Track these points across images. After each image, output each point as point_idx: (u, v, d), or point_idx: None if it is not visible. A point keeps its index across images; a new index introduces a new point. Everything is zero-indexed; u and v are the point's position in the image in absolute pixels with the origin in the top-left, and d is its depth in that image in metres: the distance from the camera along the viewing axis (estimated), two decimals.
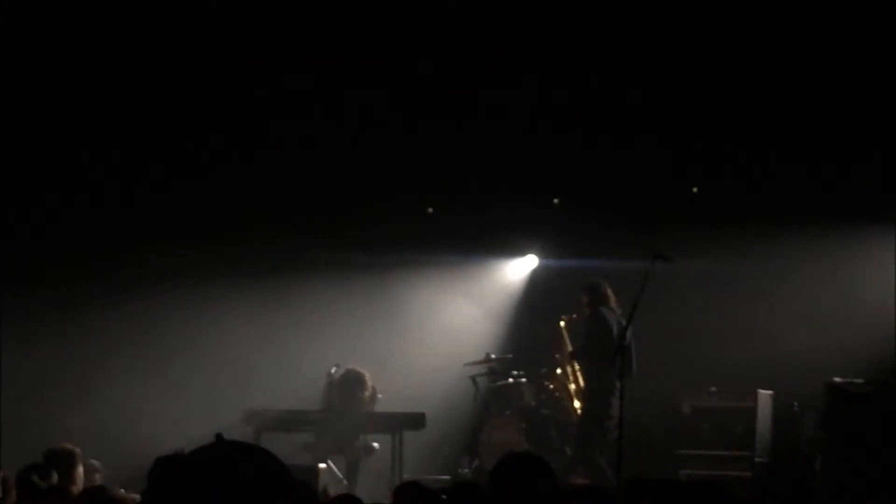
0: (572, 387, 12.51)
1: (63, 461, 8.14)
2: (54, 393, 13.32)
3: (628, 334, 10.79)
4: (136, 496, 7.43)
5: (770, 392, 12.42)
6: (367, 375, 12.47)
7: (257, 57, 12.31)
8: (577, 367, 12.50)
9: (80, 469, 8.38)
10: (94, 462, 10.21)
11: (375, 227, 14.22)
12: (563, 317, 12.68)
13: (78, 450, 8.44)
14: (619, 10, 11.81)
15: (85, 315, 13.70)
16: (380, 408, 12.39)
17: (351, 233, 14.20)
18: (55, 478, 7.68)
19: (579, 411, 12.27)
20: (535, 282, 14.80)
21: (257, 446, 2.80)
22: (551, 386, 12.71)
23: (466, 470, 13.04)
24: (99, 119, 12.96)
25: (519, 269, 14.96)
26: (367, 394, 12.40)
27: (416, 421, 11.75)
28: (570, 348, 12.51)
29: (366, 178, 13.93)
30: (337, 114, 12.99)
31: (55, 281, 13.55)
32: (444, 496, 6.13)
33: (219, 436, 2.78)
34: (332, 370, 12.70)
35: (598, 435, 11.72)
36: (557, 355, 12.76)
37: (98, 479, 9.95)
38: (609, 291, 12.00)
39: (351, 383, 12.40)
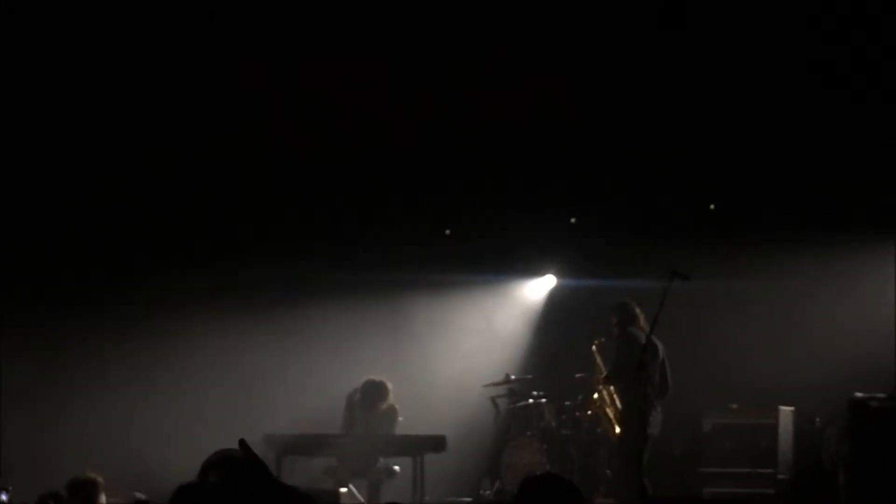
0: (610, 411, 12.29)
1: (84, 491, 8.12)
2: (73, 419, 13.35)
3: (661, 352, 10.74)
4: None
5: (791, 408, 12.39)
6: (389, 385, 12.46)
7: (258, 60, 12.23)
8: (612, 389, 12.31)
9: (103, 498, 8.34)
10: (138, 495, 10.03)
11: (393, 248, 14.23)
12: (595, 340, 12.51)
13: (100, 479, 8.42)
14: (633, 19, 11.77)
15: (102, 337, 13.72)
16: (400, 431, 12.37)
17: (368, 254, 14.21)
18: None
19: (619, 433, 12.08)
20: (554, 301, 14.78)
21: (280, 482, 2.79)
22: (589, 412, 12.53)
23: (488, 492, 12.99)
24: (104, 124, 12.90)
25: (537, 289, 14.95)
26: (389, 402, 12.39)
27: (436, 443, 11.71)
28: (603, 372, 12.34)
29: (383, 198, 13.94)
30: (353, 132, 12.99)
31: (69, 304, 13.58)
32: None
33: (242, 442, 2.78)
34: (352, 392, 12.69)
35: (637, 455, 11.59)
36: (578, 375, 12.65)
37: None
38: (637, 311, 11.90)
39: (372, 391, 12.40)
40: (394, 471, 12.35)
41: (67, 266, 13.51)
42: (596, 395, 12.45)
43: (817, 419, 12.25)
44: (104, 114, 12.83)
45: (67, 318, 13.56)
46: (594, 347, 12.49)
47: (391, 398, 12.44)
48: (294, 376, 14.02)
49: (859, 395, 11.04)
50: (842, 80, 11.88)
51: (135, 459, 12.82)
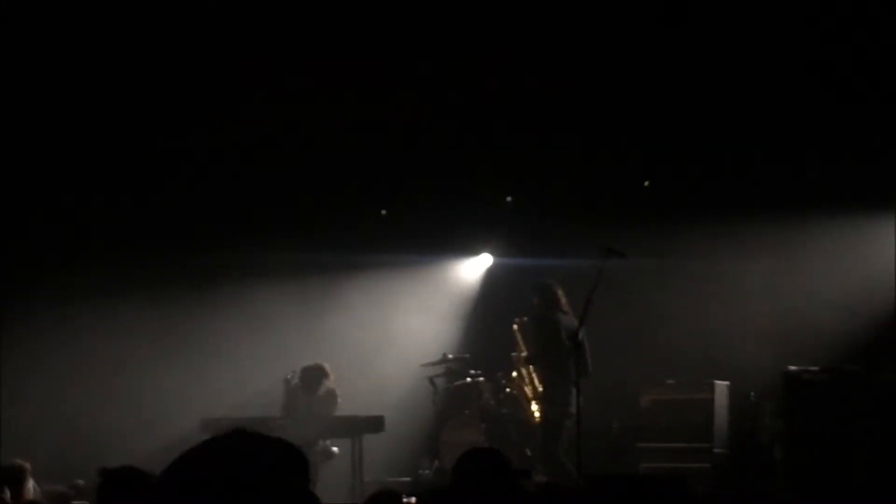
0: (528, 389, 12.52)
1: (12, 476, 8.06)
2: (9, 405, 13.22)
3: (581, 334, 10.80)
4: None
5: (727, 383, 12.47)
6: (327, 366, 12.48)
7: (186, 45, 12.02)
8: (532, 369, 12.53)
9: (31, 484, 8.29)
10: (79, 482, 9.92)
11: (328, 229, 14.18)
12: (517, 319, 12.70)
13: (28, 465, 8.36)
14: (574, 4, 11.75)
15: (38, 323, 13.58)
16: (338, 411, 12.36)
17: (305, 235, 14.14)
18: (7, 494, 7.60)
19: (537, 413, 12.27)
20: (491, 280, 14.82)
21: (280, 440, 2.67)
22: (508, 389, 12.71)
23: (427, 471, 13.01)
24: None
25: (474, 268, 14.97)
26: (329, 384, 12.39)
27: (374, 424, 11.72)
28: (524, 351, 12.53)
29: (318, 179, 13.87)
30: (288, 115, 12.89)
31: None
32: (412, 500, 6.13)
33: (236, 430, 2.63)
34: (289, 375, 12.68)
35: (559, 435, 11.75)
36: (514, 354, 12.76)
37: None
38: (560, 293, 12.06)
39: (311, 376, 12.42)
40: (332, 452, 12.35)
41: None
42: (515, 374, 12.58)
43: (752, 393, 12.35)
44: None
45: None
46: (515, 327, 12.62)
47: (331, 380, 12.44)
48: (228, 359, 13.96)
49: (793, 368, 11.14)
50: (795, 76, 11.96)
51: (73, 445, 12.72)
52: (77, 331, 13.71)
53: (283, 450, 2.56)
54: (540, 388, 12.31)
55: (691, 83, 12.23)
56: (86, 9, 11.08)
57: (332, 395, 12.43)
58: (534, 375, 12.50)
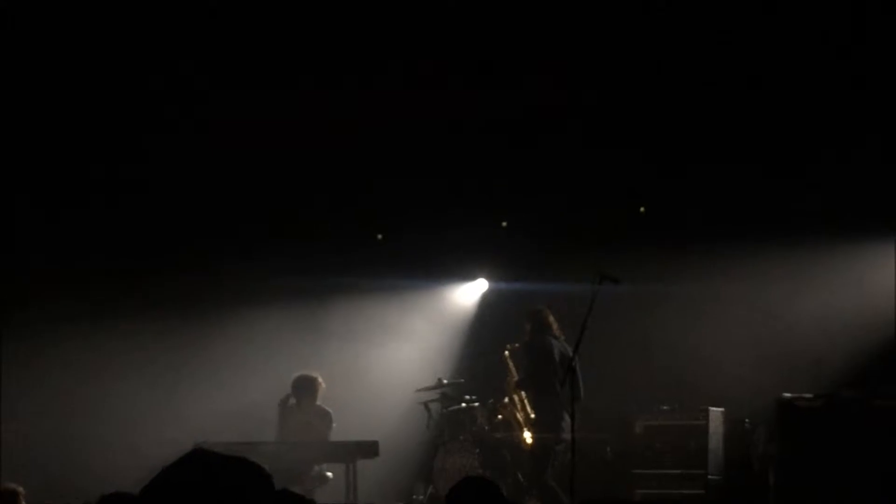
0: (520, 415, 12.49)
1: (5, 501, 8.03)
2: None
3: (574, 360, 10.80)
4: None
5: (721, 409, 12.48)
6: (319, 378, 12.46)
7: (165, 54, 11.95)
8: (523, 395, 12.52)
9: None
10: None
11: (325, 253, 14.18)
12: (508, 346, 12.71)
13: (21, 489, 8.34)
14: (554, 19, 11.74)
15: (25, 344, 13.52)
16: (333, 436, 12.34)
17: (299, 259, 14.14)
18: None
19: (529, 439, 12.26)
20: (486, 305, 14.82)
21: (240, 458, 2.73)
22: (500, 416, 12.69)
23: (421, 497, 13.00)
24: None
25: (469, 293, 14.98)
26: (320, 397, 12.38)
27: (369, 449, 11.69)
28: (515, 377, 12.55)
29: (314, 202, 13.88)
30: (283, 138, 12.88)
31: None
32: None
33: (198, 447, 2.71)
34: (286, 398, 12.65)
35: (550, 461, 11.74)
36: (507, 381, 12.76)
37: None
38: (551, 319, 12.08)
39: (303, 385, 12.38)
40: (326, 477, 12.32)
41: None
42: (507, 400, 12.59)
43: (746, 420, 12.36)
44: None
45: None
46: (507, 353, 12.64)
47: (322, 391, 12.42)
48: (225, 385, 13.93)
49: (787, 395, 11.15)
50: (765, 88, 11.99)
51: (65, 470, 12.67)
52: (67, 355, 13.66)
53: (245, 469, 2.60)
54: (532, 415, 12.31)
55: (687, 108, 12.28)
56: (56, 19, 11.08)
57: (326, 415, 12.41)
58: (525, 402, 12.50)
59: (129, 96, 12.06)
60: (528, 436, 12.31)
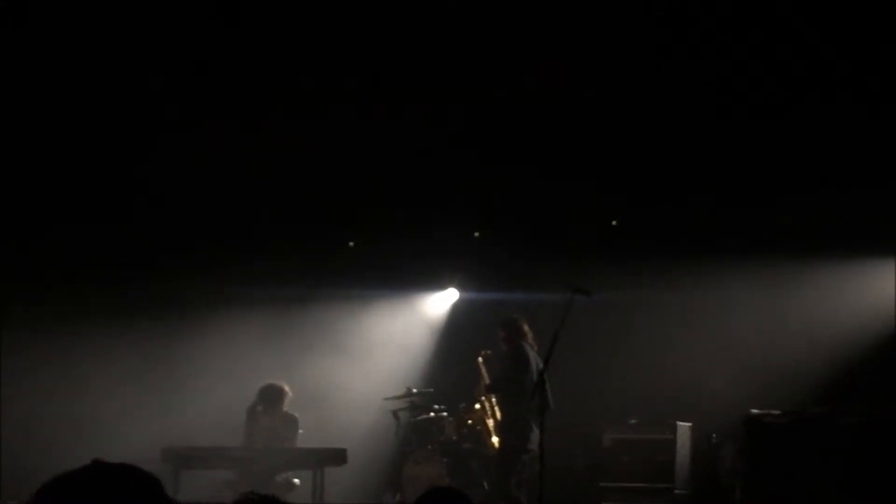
0: (490, 421, 12.55)
1: None
2: None
3: (542, 370, 10.81)
4: None
5: (689, 424, 12.52)
6: (286, 387, 12.41)
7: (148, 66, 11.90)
8: (494, 400, 12.55)
9: None
10: None
11: (295, 261, 14.15)
12: (482, 352, 12.74)
13: None
14: (523, 31, 11.72)
15: (9, 351, 13.46)
16: (301, 443, 12.31)
17: (269, 266, 14.11)
18: None
19: (497, 445, 12.28)
20: (456, 315, 14.83)
21: (129, 465, 2.78)
22: (469, 420, 12.72)
23: None
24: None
25: (440, 302, 14.98)
26: (287, 405, 12.34)
27: (337, 456, 11.67)
28: (487, 382, 12.56)
29: (284, 210, 13.85)
30: (257, 145, 12.84)
31: None
32: None
33: (95, 461, 2.78)
34: (254, 403, 12.60)
35: (515, 468, 11.75)
36: (478, 387, 12.77)
37: None
38: (526, 327, 12.09)
39: (270, 394, 12.33)
40: (294, 484, 12.28)
41: None
42: (477, 406, 12.61)
43: (714, 435, 12.41)
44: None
45: None
46: (480, 359, 12.67)
47: (289, 399, 12.38)
48: (192, 389, 13.89)
49: (754, 411, 11.19)
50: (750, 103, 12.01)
51: (42, 470, 12.57)
52: (43, 358, 13.61)
53: (136, 478, 2.66)
54: (500, 418, 12.34)
55: (662, 119, 12.29)
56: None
57: (293, 421, 12.37)
58: (496, 408, 12.53)
59: (108, 104, 12.00)
60: (496, 440, 12.33)
